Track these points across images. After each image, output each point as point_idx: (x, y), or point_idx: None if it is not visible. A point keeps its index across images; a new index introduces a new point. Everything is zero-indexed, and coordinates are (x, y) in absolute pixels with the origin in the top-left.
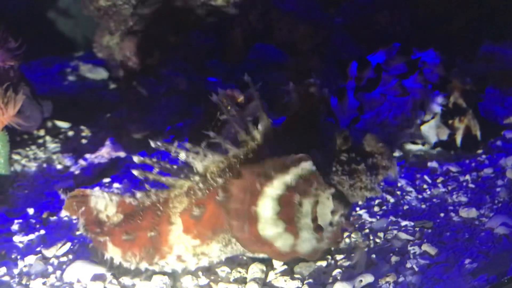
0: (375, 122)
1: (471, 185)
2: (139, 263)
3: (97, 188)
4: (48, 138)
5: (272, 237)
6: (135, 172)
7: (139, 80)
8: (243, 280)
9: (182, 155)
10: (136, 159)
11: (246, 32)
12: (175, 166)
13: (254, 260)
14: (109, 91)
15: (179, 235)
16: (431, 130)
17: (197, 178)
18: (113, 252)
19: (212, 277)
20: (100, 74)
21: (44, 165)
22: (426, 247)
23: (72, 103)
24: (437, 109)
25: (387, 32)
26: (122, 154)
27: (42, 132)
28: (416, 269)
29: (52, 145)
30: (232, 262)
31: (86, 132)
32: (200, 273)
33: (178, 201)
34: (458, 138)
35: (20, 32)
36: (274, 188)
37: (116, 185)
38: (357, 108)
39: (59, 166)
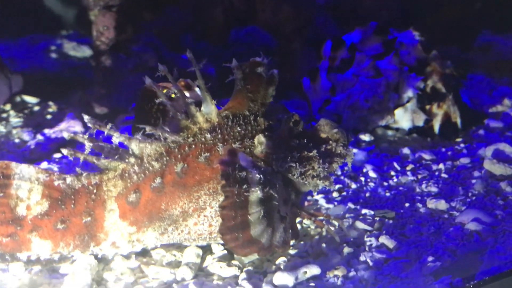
0: (346, 105)
1: (444, 175)
2: (71, 252)
3: (24, 165)
4: (12, 112)
5: (260, 234)
6: (64, 151)
7: (109, 55)
8: (176, 264)
9: (116, 137)
10: (66, 135)
11: (227, 12)
12: (109, 146)
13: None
14: (91, 69)
15: (115, 221)
16: (405, 114)
17: (132, 160)
18: (40, 247)
19: (145, 259)
20: (84, 52)
21: (2, 139)
22: (384, 240)
23: (48, 80)
24: (412, 92)
25: (371, 14)
26: (79, 129)
27: (7, 107)
28: (371, 263)
29: (15, 120)
30: (170, 245)
31: (53, 108)
32: (133, 256)
33: (113, 184)
34: (436, 125)
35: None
36: (255, 193)
37: (65, 161)
38: (329, 89)
39: (17, 140)
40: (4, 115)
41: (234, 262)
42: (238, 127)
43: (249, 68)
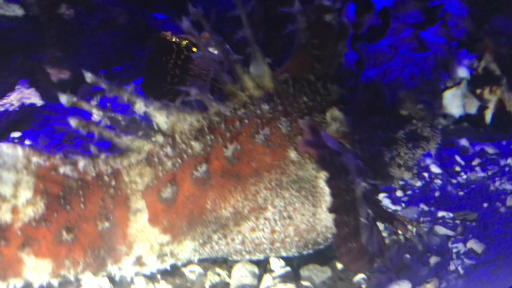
0: (382, 82)
1: None
2: (80, 275)
3: (4, 144)
4: None
5: (367, 241)
6: (72, 122)
7: (63, 10)
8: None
9: (139, 105)
10: (64, 100)
11: None
12: (127, 118)
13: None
14: (25, 31)
15: (143, 227)
16: (455, 99)
17: (160, 138)
18: (36, 271)
19: (177, 282)
20: (14, 11)
21: None
22: (472, 244)
23: None
24: (464, 72)
25: None
26: (38, 102)
27: None
28: (462, 271)
29: None
30: (207, 260)
31: None
32: (158, 277)
33: (138, 173)
34: (489, 113)
35: None
36: (360, 186)
37: (28, 142)
38: (355, 63)
39: None
40: None
41: (303, 283)
42: (304, 96)
43: (314, 15)
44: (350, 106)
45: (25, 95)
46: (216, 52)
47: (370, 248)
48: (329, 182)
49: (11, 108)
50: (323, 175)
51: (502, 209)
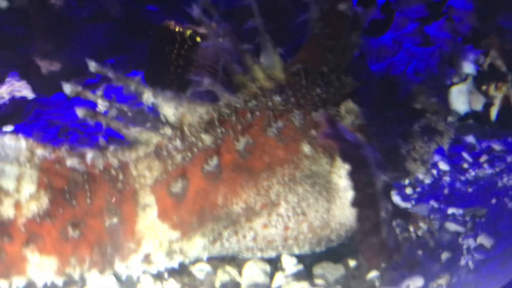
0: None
1: None
2: (86, 273)
3: (7, 136)
4: None
5: (387, 235)
6: (79, 112)
7: (53, 1)
8: (234, 287)
9: (148, 96)
10: (68, 89)
11: None
12: (134, 109)
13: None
14: (10, 23)
15: (152, 223)
16: (461, 95)
17: (168, 131)
18: (40, 269)
19: (186, 280)
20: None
21: None
22: (482, 239)
23: None
24: (471, 68)
25: None
26: (29, 95)
27: None
28: (472, 266)
29: None
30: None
31: None
32: (165, 275)
33: (147, 167)
34: (494, 110)
35: None
36: (380, 179)
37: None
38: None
39: None
40: None
41: (317, 281)
42: (317, 88)
43: (328, 4)
44: (365, 99)
45: (16, 88)
46: (225, 41)
47: (389, 243)
48: (351, 175)
49: (1, 101)
50: (337, 169)
51: (510, 205)
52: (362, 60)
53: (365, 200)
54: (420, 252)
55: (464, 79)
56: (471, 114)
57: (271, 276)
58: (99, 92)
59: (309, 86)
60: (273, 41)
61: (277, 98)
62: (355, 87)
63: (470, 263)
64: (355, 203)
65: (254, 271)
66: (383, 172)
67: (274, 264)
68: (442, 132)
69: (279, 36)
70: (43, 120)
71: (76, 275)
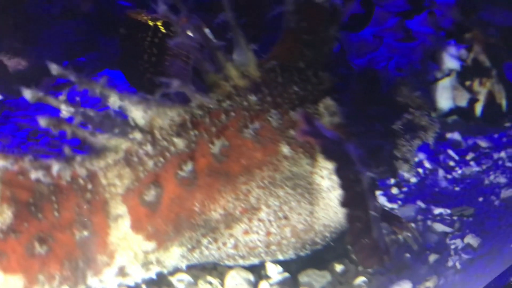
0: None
1: (508, 164)
2: None
3: None
4: None
5: (377, 235)
6: (42, 122)
7: None
8: None
9: (114, 98)
10: (29, 95)
11: None
12: (100, 113)
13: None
14: None
15: (125, 234)
16: (445, 91)
17: (138, 135)
18: None
19: None
20: None
21: None
22: (470, 239)
23: None
24: (454, 64)
25: None
26: None
27: None
28: (459, 267)
29: None
30: (196, 267)
31: None
32: (143, 287)
33: (116, 175)
34: (479, 106)
35: None
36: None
37: None
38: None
39: None
40: None
41: None
42: (294, 86)
43: None
44: (345, 95)
45: None
46: (195, 38)
47: (380, 244)
48: (337, 173)
49: None
50: (319, 170)
51: (497, 203)
52: (341, 54)
53: (353, 198)
54: (407, 255)
55: (447, 74)
56: (456, 110)
57: (255, 285)
58: (62, 97)
59: (285, 84)
60: (246, 37)
61: (253, 97)
62: (334, 83)
63: (458, 264)
64: (345, 202)
65: (237, 280)
66: (367, 169)
67: (258, 272)
68: (426, 128)
69: (253, 31)
70: (11, 123)
71: None
